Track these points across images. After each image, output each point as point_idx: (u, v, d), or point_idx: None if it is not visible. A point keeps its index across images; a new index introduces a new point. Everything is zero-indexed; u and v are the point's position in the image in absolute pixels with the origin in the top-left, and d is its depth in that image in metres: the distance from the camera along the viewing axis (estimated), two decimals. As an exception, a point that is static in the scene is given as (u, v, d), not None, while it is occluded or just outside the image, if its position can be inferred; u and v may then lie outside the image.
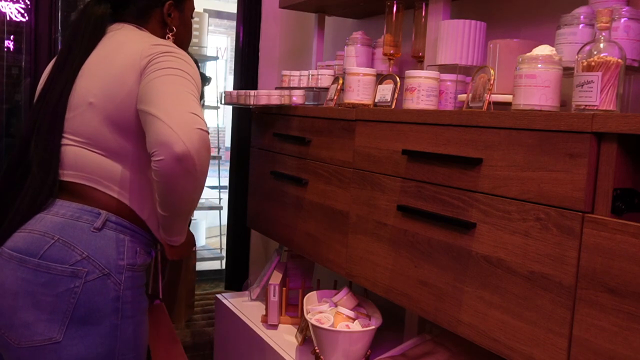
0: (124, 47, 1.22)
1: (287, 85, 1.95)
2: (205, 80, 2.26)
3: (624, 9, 1.11)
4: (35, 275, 1.14)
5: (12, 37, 3.00)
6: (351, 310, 1.60)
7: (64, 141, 1.23)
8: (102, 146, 1.20)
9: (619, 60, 0.96)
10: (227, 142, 4.14)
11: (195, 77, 1.18)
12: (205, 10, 4.23)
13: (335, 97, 1.67)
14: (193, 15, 1.45)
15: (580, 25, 1.16)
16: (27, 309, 1.13)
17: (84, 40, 1.26)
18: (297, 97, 1.79)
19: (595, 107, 0.96)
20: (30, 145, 1.23)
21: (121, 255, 1.20)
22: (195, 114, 1.09)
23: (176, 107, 1.09)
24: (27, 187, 1.22)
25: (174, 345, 1.46)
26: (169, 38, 1.34)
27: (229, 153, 2.95)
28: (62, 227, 1.17)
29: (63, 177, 1.22)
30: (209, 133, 1.11)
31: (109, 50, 1.24)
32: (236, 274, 2.89)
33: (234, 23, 2.87)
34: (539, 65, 1.05)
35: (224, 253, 3.85)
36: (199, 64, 1.88)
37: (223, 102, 2.02)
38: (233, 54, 3.26)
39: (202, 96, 1.97)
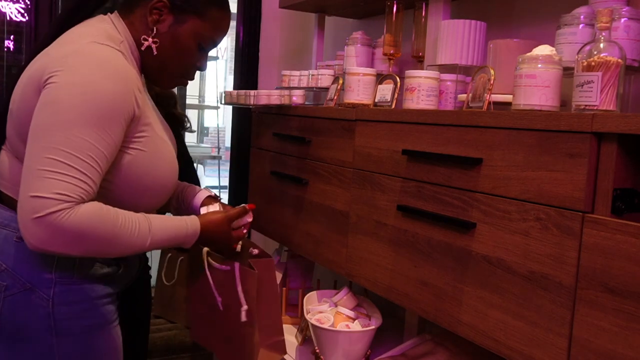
0: (53, 50, 1.07)
1: (287, 85, 1.95)
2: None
3: (624, 9, 1.11)
4: None
5: (12, 37, 2.99)
6: (351, 310, 1.60)
7: (5, 147, 1.14)
8: (22, 157, 1.08)
9: (619, 60, 0.96)
10: (227, 142, 4.14)
11: (94, 96, 1.00)
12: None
13: (335, 97, 1.66)
14: (201, 44, 1.19)
15: (580, 25, 1.16)
16: None
17: (50, 28, 1.14)
18: (297, 97, 1.79)
19: (595, 107, 0.96)
20: None
21: (48, 268, 1.07)
22: (37, 197, 0.94)
23: (23, 191, 0.96)
24: None
25: (274, 305, 1.38)
26: (145, 41, 1.14)
27: (229, 153, 2.95)
28: None
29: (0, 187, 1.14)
30: (62, 205, 0.95)
31: (46, 52, 1.09)
32: (236, 274, 2.89)
33: (234, 23, 2.87)
34: (539, 65, 1.05)
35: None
36: None
37: (223, 102, 2.02)
38: (233, 54, 3.25)
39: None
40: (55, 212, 0.95)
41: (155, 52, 1.16)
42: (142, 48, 1.16)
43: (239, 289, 1.29)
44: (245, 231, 1.33)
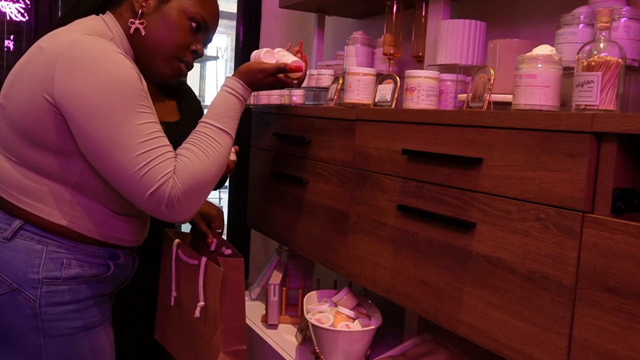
0: (46, 44, 1.08)
1: (287, 85, 1.95)
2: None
3: (624, 9, 1.11)
4: None
5: (12, 37, 3.00)
6: (351, 310, 1.60)
7: None
8: (13, 152, 1.09)
9: (619, 60, 0.96)
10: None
11: (120, 88, 1.04)
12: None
13: (335, 97, 1.67)
14: (192, 22, 1.20)
15: (580, 25, 1.16)
16: None
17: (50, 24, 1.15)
18: (297, 97, 1.79)
19: (595, 107, 0.96)
20: None
21: (35, 269, 1.07)
22: (152, 193, 1.05)
23: (138, 196, 1.06)
24: None
25: (239, 309, 1.35)
26: (133, 24, 1.16)
27: (229, 153, 2.95)
28: None
29: None
30: (169, 183, 1.05)
31: (39, 45, 1.09)
32: (236, 274, 2.89)
33: (234, 23, 2.87)
34: (539, 65, 1.05)
35: (224, 253, 3.85)
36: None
37: (223, 102, 2.01)
38: (233, 54, 3.25)
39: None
40: (170, 192, 1.06)
41: (143, 33, 1.17)
42: (131, 32, 1.17)
43: (200, 283, 1.30)
44: (295, 82, 1.39)
